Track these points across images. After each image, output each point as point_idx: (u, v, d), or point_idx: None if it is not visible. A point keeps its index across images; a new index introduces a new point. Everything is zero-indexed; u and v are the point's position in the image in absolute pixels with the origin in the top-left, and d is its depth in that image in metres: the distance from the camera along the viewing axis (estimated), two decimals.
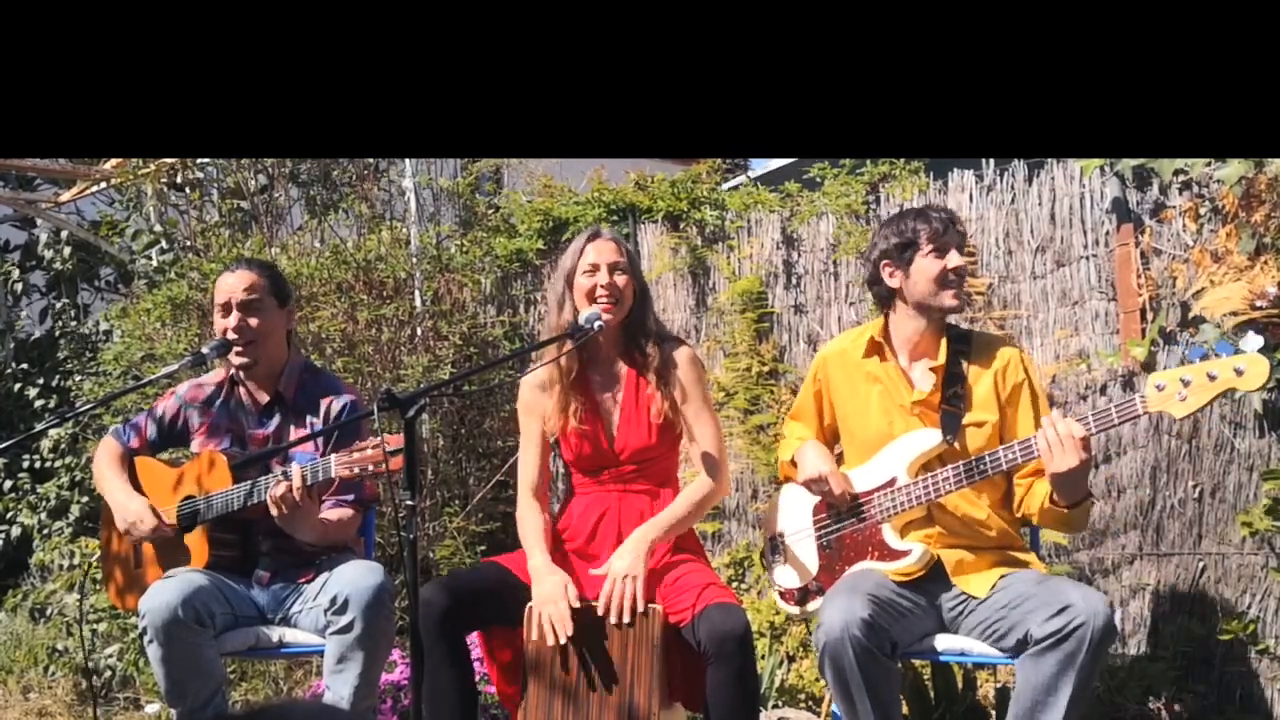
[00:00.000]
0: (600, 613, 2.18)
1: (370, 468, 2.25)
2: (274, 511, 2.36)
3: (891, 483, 2.28)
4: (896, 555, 2.25)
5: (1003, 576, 2.19)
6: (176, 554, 2.53)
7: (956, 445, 2.25)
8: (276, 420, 2.62)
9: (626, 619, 2.16)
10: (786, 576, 2.45)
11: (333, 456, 2.31)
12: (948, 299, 2.29)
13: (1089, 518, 2.25)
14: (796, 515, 2.46)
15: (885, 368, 2.37)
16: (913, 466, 2.27)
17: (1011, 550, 2.29)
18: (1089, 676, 1.99)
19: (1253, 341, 1.98)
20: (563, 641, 2.17)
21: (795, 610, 2.42)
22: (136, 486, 2.62)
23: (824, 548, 2.38)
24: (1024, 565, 2.27)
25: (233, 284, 2.57)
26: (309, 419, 2.60)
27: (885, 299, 2.40)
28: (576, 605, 2.20)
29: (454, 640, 2.25)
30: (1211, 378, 1.96)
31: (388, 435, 2.18)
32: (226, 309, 2.56)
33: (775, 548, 2.50)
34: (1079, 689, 1.98)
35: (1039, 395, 2.32)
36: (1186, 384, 1.98)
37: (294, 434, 2.60)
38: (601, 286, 2.35)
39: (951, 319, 2.39)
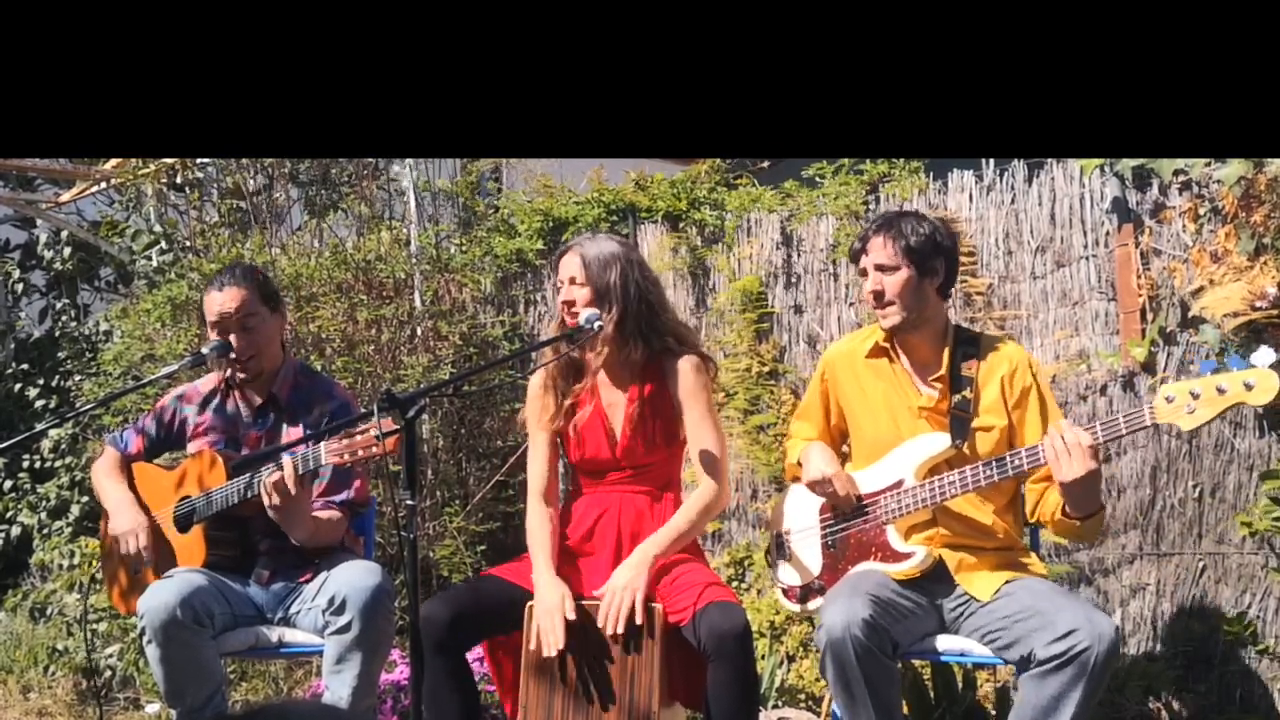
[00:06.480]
0: (600, 624, 2.18)
1: (360, 452, 2.23)
2: (268, 501, 2.35)
3: (899, 484, 2.27)
4: (900, 557, 2.24)
5: (1007, 582, 2.19)
6: (170, 562, 2.54)
7: (965, 449, 2.24)
8: (270, 422, 2.62)
9: (620, 629, 2.16)
10: (790, 574, 2.44)
11: (323, 444, 2.29)
12: (880, 319, 2.33)
13: (1100, 529, 2.23)
14: (803, 514, 2.45)
15: (893, 369, 2.36)
16: (921, 469, 2.26)
17: (1014, 553, 2.29)
18: (1091, 697, 1.99)
19: (1264, 356, 1.96)
20: (553, 654, 2.17)
21: (796, 608, 2.42)
22: (135, 494, 2.62)
23: (828, 547, 2.38)
24: (1026, 568, 2.27)
25: (222, 302, 2.53)
26: (302, 422, 2.59)
27: None
28: (573, 618, 2.19)
29: (456, 656, 2.25)
30: (1221, 391, 1.95)
31: (379, 420, 2.16)
32: (221, 327, 2.53)
33: (780, 545, 2.50)
34: (1081, 708, 1.99)
35: (1047, 399, 2.31)
36: (1196, 397, 1.97)
37: (286, 435, 2.59)
38: (563, 302, 2.38)
39: (958, 320, 2.39)
